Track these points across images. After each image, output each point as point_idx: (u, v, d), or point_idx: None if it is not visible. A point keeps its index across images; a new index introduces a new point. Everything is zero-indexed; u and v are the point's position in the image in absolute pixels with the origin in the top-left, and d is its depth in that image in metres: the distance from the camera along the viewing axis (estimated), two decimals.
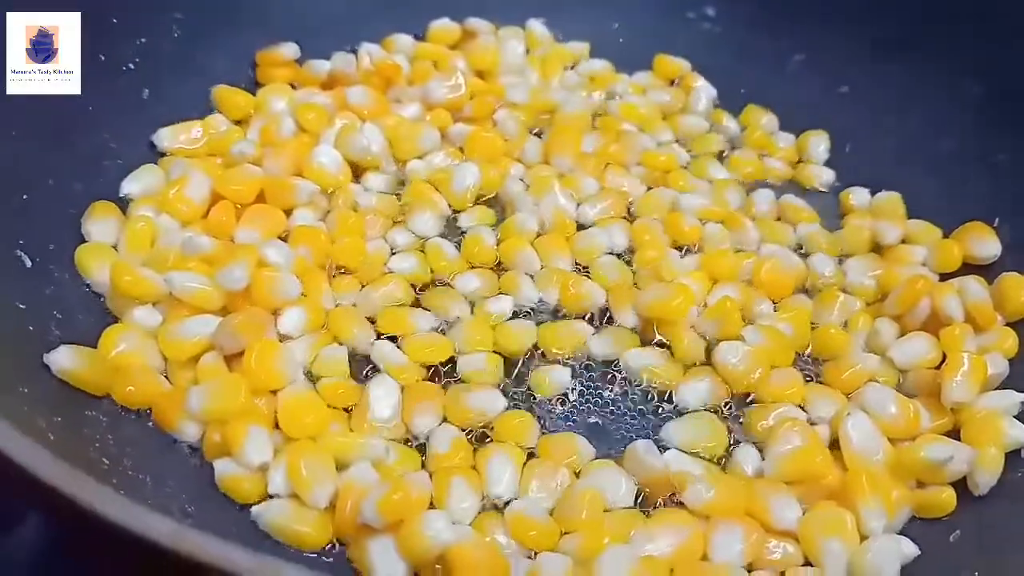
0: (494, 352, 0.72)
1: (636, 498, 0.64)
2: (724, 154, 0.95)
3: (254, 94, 0.90)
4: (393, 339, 0.72)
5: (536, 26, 1.04)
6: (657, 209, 0.85)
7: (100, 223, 0.73)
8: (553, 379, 0.71)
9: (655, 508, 0.63)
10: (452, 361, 0.71)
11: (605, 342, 0.73)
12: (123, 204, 0.77)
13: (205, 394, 0.62)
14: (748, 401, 0.71)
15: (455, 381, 0.70)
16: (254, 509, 0.59)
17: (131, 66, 0.82)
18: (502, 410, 0.68)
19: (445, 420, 0.67)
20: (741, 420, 0.70)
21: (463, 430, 0.67)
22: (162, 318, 0.68)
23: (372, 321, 0.73)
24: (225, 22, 0.91)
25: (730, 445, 0.68)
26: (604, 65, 1.04)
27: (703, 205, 0.86)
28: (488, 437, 0.67)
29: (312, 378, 0.68)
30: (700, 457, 0.66)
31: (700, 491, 0.62)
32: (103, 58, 0.79)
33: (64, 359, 0.62)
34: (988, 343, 0.73)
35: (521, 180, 0.87)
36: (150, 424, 0.64)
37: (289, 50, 0.93)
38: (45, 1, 0.75)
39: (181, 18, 0.86)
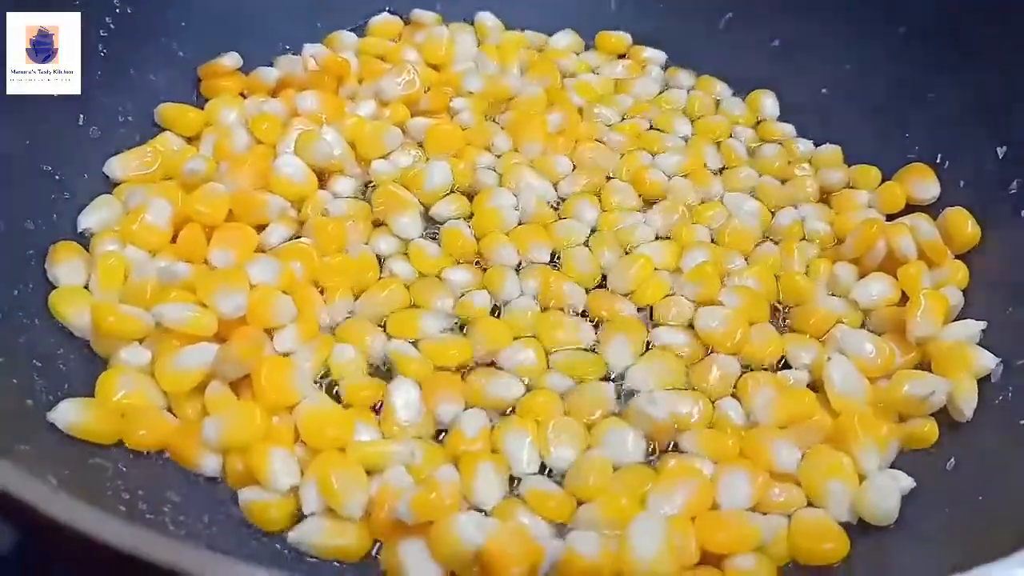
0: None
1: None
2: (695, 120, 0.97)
3: (201, 107, 0.87)
4: None
5: (486, 17, 1.04)
6: (631, 171, 0.88)
7: (66, 265, 0.71)
8: None
9: (659, 456, 0.66)
10: None
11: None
12: (82, 239, 0.75)
13: (220, 424, 0.61)
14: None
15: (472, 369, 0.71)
16: (290, 536, 0.59)
17: None
18: (521, 394, 0.69)
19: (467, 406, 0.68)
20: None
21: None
22: (151, 354, 0.66)
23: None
24: (152, 34, 0.87)
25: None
26: (560, 42, 1.05)
27: (679, 162, 0.89)
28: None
29: (324, 387, 0.69)
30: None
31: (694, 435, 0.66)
32: None
33: (69, 414, 0.60)
34: (942, 277, 0.77)
35: (492, 170, 0.87)
36: (159, 463, 0.63)
37: (231, 60, 0.90)
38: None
39: (106, 36, 0.82)
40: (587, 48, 1.06)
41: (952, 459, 0.65)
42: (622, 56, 1.05)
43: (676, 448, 0.67)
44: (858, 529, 0.62)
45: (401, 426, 0.66)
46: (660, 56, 1.04)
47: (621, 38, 1.05)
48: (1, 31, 0.73)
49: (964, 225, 0.78)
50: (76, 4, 0.77)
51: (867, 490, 0.62)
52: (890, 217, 0.84)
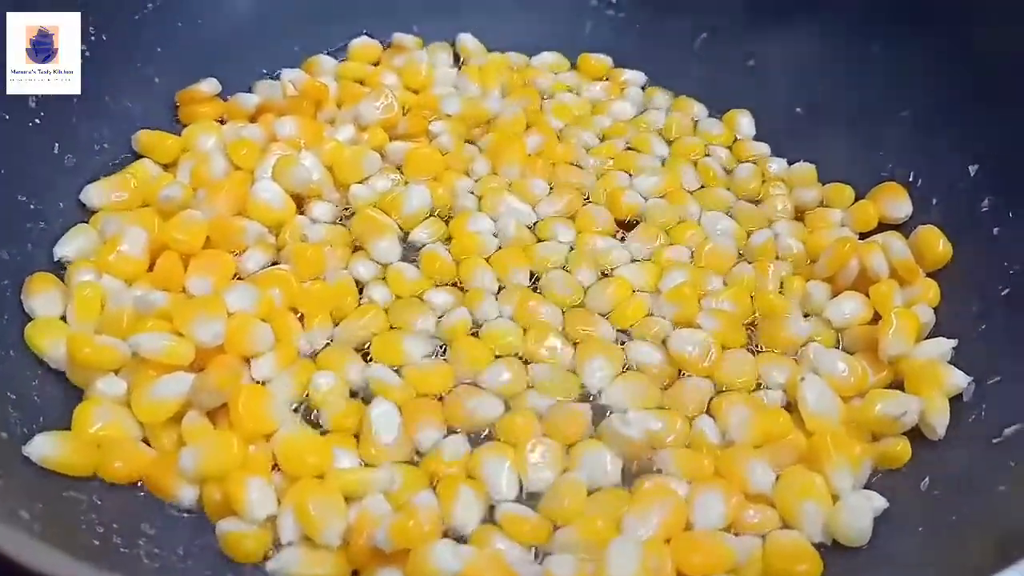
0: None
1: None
2: (672, 141, 0.98)
3: (177, 134, 0.87)
4: None
5: (466, 39, 1.04)
6: (607, 192, 0.89)
7: (41, 297, 0.70)
8: None
9: (636, 477, 0.66)
10: None
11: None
12: (58, 269, 0.75)
13: (197, 454, 0.61)
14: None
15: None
16: (269, 566, 0.59)
17: (37, 121, 0.78)
18: (500, 414, 0.70)
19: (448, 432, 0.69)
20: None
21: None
22: (127, 384, 0.66)
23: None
24: (127, 61, 0.88)
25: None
26: (541, 63, 1.06)
27: (656, 184, 0.90)
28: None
29: (302, 414, 0.69)
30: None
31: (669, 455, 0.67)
32: (7, 116, 0.76)
33: (44, 448, 0.60)
34: (913, 295, 0.78)
35: (471, 193, 0.87)
36: (134, 495, 0.63)
37: (209, 86, 0.90)
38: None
39: (81, 63, 0.81)
40: (568, 69, 1.06)
41: (927, 479, 0.65)
42: (603, 78, 1.05)
43: (652, 468, 0.67)
44: (832, 550, 0.62)
45: (380, 449, 0.66)
46: (640, 77, 1.04)
47: (602, 61, 1.05)
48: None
49: (935, 243, 0.79)
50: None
51: (840, 511, 0.63)
52: (863, 235, 0.84)
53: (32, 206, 0.76)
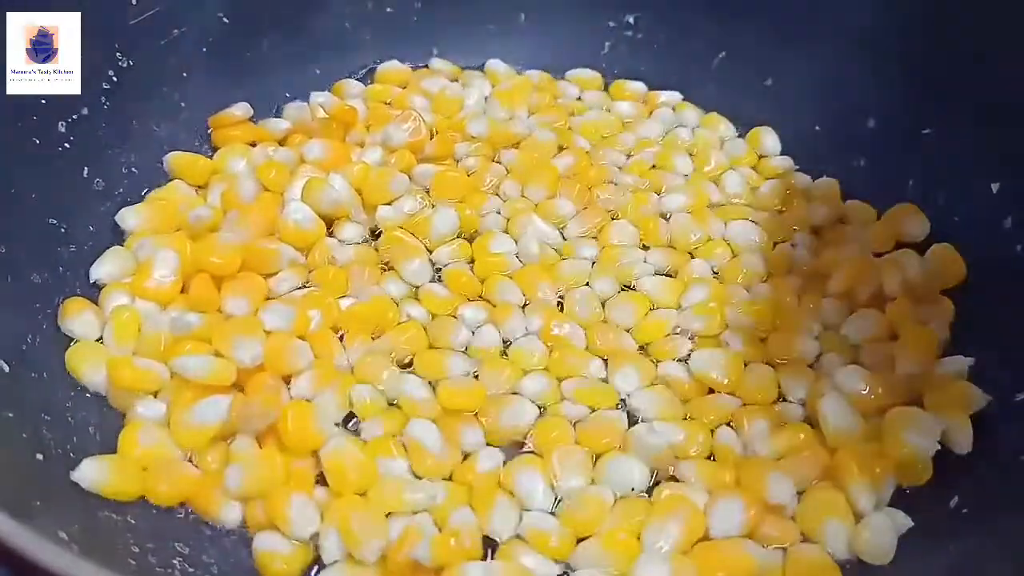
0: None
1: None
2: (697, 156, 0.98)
3: (206, 156, 0.89)
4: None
5: (497, 64, 1.06)
6: (636, 210, 0.89)
7: (78, 320, 0.72)
8: None
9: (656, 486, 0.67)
10: None
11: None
12: (88, 291, 0.76)
13: (242, 472, 0.62)
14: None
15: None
16: None
17: (66, 145, 0.80)
18: (534, 420, 0.71)
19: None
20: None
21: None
22: (166, 406, 0.67)
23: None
24: (154, 86, 0.89)
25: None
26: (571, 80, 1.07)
27: (683, 203, 0.90)
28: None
29: (347, 426, 0.70)
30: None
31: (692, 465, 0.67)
32: (37, 141, 0.77)
33: (92, 473, 0.61)
34: (929, 313, 0.78)
35: (498, 213, 0.88)
36: (168, 515, 0.64)
37: (241, 110, 0.92)
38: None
39: (108, 88, 0.84)
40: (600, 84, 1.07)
41: (955, 497, 0.65)
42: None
43: (674, 478, 0.68)
44: (856, 567, 0.63)
45: (435, 462, 0.66)
46: (675, 97, 1.05)
47: (636, 90, 1.05)
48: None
49: (951, 262, 0.79)
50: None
51: (863, 529, 0.63)
52: (879, 254, 0.85)
53: (63, 230, 0.78)
